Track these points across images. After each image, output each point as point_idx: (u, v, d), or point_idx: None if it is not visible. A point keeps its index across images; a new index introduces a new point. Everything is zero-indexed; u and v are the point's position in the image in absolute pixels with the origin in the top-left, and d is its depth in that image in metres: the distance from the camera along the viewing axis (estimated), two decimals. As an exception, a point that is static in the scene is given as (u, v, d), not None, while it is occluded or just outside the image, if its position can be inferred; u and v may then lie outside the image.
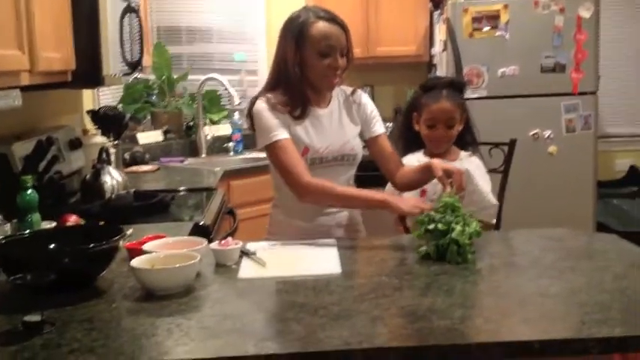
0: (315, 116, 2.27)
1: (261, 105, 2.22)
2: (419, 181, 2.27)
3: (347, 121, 2.34)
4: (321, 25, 2.18)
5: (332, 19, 2.20)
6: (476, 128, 2.56)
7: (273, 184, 2.36)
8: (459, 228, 1.87)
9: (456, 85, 2.50)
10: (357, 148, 2.34)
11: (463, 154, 2.49)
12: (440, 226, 1.89)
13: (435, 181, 2.16)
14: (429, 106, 2.44)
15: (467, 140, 2.53)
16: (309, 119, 2.25)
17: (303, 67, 2.21)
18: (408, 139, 2.53)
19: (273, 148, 2.20)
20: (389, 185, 2.46)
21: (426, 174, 2.18)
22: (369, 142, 2.38)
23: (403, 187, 2.34)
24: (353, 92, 2.38)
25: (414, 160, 2.45)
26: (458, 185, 2.03)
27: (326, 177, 2.23)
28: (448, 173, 2.06)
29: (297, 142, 2.21)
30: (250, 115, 2.27)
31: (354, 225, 2.39)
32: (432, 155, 2.43)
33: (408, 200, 2.12)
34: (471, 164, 2.43)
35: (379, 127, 2.38)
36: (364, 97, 2.40)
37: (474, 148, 2.57)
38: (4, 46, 1.93)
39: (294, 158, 2.17)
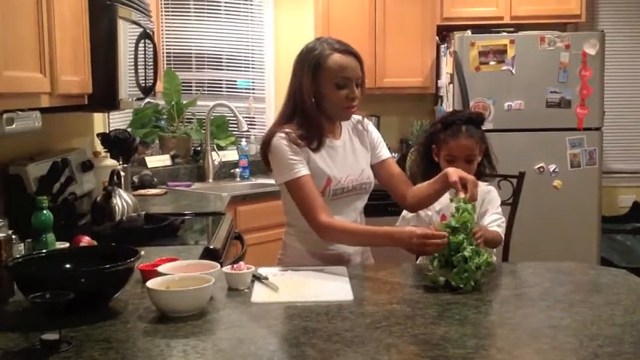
0: (332, 147, 2.28)
1: (281, 140, 2.19)
2: (435, 192, 2.24)
3: (360, 150, 2.36)
4: (337, 57, 2.20)
5: (347, 50, 2.22)
6: (494, 155, 2.56)
7: (291, 213, 2.31)
8: (470, 249, 1.90)
9: (475, 120, 2.52)
10: (372, 175, 2.36)
11: (481, 184, 2.50)
12: (453, 238, 1.92)
13: (452, 206, 2.15)
14: (448, 143, 2.45)
15: (483, 170, 2.54)
16: (325, 150, 2.26)
17: (319, 98, 2.23)
18: (426, 169, 2.53)
19: (293, 185, 2.18)
20: (405, 212, 2.48)
21: (441, 183, 2.18)
22: (377, 167, 2.38)
23: (417, 203, 2.32)
24: (361, 120, 2.41)
25: None
26: (471, 195, 2.04)
27: (347, 207, 2.26)
28: (463, 181, 2.08)
29: (320, 174, 2.21)
30: (266, 147, 2.25)
31: (365, 252, 2.40)
32: None
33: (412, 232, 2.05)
34: (487, 195, 2.47)
35: (385, 152, 2.41)
36: (370, 125, 2.43)
37: (491, 178, 2.59)
38: (26, 69, 1.97)
39: (314, 196, 2.16)
